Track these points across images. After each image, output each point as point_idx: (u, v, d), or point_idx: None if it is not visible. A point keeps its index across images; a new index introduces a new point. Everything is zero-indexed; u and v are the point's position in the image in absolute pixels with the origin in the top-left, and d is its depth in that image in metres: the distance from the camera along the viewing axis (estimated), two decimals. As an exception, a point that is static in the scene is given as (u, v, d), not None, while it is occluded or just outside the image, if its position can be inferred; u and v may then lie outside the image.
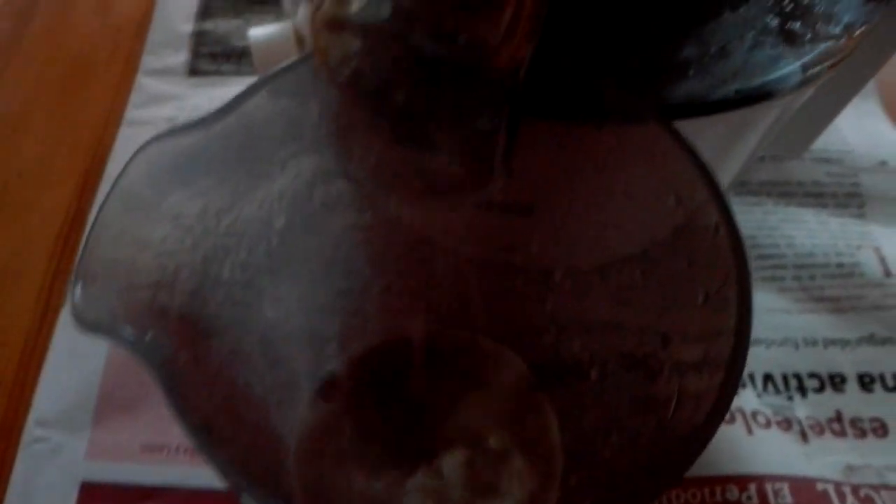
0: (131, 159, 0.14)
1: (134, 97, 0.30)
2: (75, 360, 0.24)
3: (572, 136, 0.17)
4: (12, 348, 0.24)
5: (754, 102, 0.20)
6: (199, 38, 0.32)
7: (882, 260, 0.29)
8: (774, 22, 0.17)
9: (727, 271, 0.15)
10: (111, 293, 0.13)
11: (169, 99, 0.30)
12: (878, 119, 0.33)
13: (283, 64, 0.23)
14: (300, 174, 0.17)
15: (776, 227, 0.30)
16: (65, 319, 0.25)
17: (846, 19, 0.18)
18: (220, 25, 0.32)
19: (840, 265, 0.29)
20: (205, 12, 0.33)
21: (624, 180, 0.19)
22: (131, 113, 0.30)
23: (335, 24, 0.11)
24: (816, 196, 0.31)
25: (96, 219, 0.14)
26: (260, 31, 0.24)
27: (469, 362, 0.24)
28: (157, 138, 0.14)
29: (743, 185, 0.31)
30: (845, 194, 0.31)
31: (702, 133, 0.20)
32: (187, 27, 0.32)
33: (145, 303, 0.15)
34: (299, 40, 0.24)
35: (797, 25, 0.17)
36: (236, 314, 0.17)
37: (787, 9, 0.17)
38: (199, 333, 0.16)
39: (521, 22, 0.11)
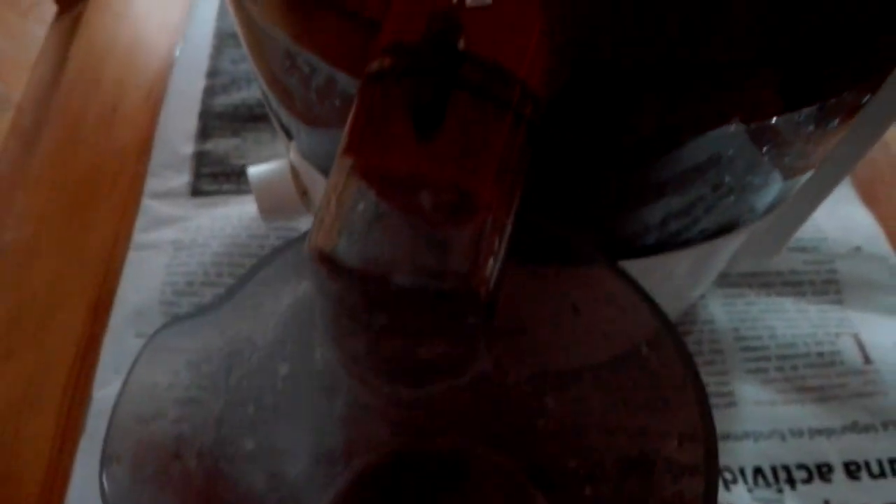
0: (142, 351, 0.15)
1: (140, 220, 0.32)
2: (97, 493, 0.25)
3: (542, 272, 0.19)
4: (33, 480, 0.25)
5: (718, 236, 0.21)
6: (199, 158, 0.34)
7: (861, 346, 0.30)
8: (723, 190, 0.18)
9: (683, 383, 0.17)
10: (138, 477, 0.15)
11: (173, 221, 0.32)
12: (851, 203, 0.35)
13: (285, 217, 0.25)
14: (302, 338, 0.18)
15: (758, 318, 0.31)
16: (84, 448, 0.26)
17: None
18: (220, 145, 0.34)
19: (821, 354, 0.30)
20: (204, 133, 0.34)
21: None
22: (138, 237, 0.31)
23: (321, 257, 0.12)
24: (795, 285, 0.32)
25: (114, 410, 0.15)
26: (258, 171, 0.26)
27: (466, 469, 0.25)
28: (166, 327, 0.16)
29: (724, 277, 0.32)
30: (822, 281, 0.32)
31: (674, 259, 0.22)
32: (188, 148, 0.34)
33: (167, 471, 0.16)
34: (296, 177, 0.26)
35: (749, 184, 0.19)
36: (247, 469, 0.18)
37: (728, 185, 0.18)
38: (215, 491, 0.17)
39: (491, 248, 0.12)
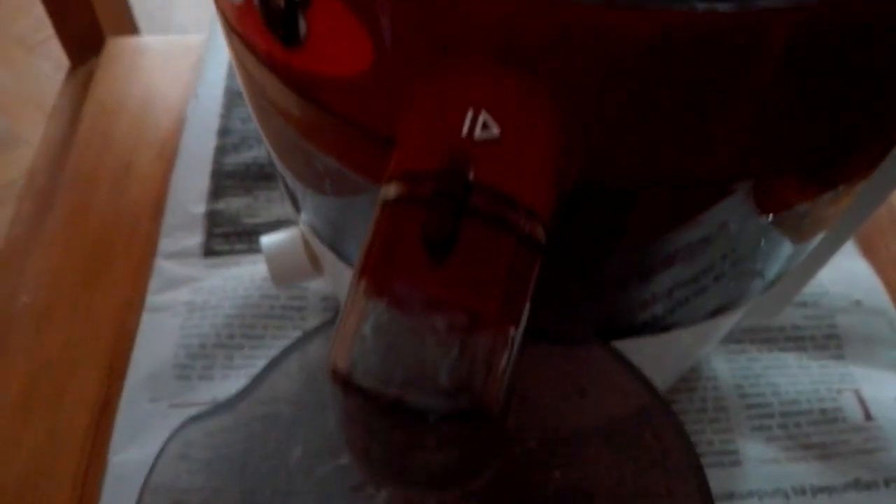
0: (161, 452, 0.16)
1: (153, 282, 0.32)
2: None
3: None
4: (50, 548, 0.26)
5: (722, 313, 0.22)
6: (211, 218, 0.34)
7: (862, 402, 0.31)
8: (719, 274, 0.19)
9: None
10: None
11: (186, 282, 0.32)
12: (851, 257, 0.35)
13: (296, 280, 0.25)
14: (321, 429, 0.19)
15: (761, 375, 0.31)
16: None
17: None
18: (232, 205, 0.35)
19: (823, 411, 0.30)
20: (216, 193, 0.35)
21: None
22: (151, 299, 0.32)
23: (337, 377, 0.13)
24: (796, 340, 0.33)
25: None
26: (271, 241, 0.27)
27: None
28: (184, 427, 0.16)
29: (727, 334, 0.33)
30: (823, 336, 0.33)
31: (677, 335, 0.22)
32: (200, 209, 0.35)
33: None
34: (307, 245, 0.27)
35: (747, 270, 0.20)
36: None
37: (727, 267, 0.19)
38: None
39: (502, 365, 0.13)
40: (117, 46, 0.43)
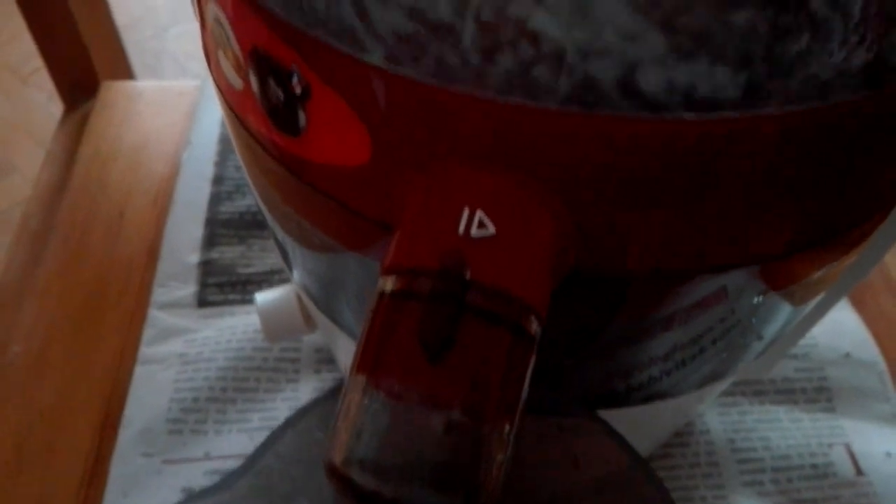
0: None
1: (146, 333, 0.32)
2: None
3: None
4: None
5: (715, 381, 0.22)
6: (205, 268, 0.34)
7: (853, 457, 0.31)
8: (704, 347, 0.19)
9: None
10: None
11: (180, 333, 0.32)
12: (841, 308, 0.36)
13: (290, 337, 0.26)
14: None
15: (753, 429, 0.32)
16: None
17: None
18: (226, 254, 0.35)
19: (815, 466, 0.30)
20: (210, 241, 0.35)
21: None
22: (145, 350, 0.32)
23: (335, 474, 0.13)
24: (787, 393, 0.33)
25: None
26: (265, 298, 0.27)
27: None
28: (186, 506, 0.16)
29: (719, 387, 0.33)
30: (814, 389, 0.33)
31: (669, 403, 0.22)
32: (194, 258, 0.35)
33: None
34: (300, 302, 0.27)
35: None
36: None
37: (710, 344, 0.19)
38: None
39: (499, 460, 0.13)
40: (112, 91, 0.43)
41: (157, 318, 0.33)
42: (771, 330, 0.21)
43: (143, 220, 0.37)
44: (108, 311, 0.33)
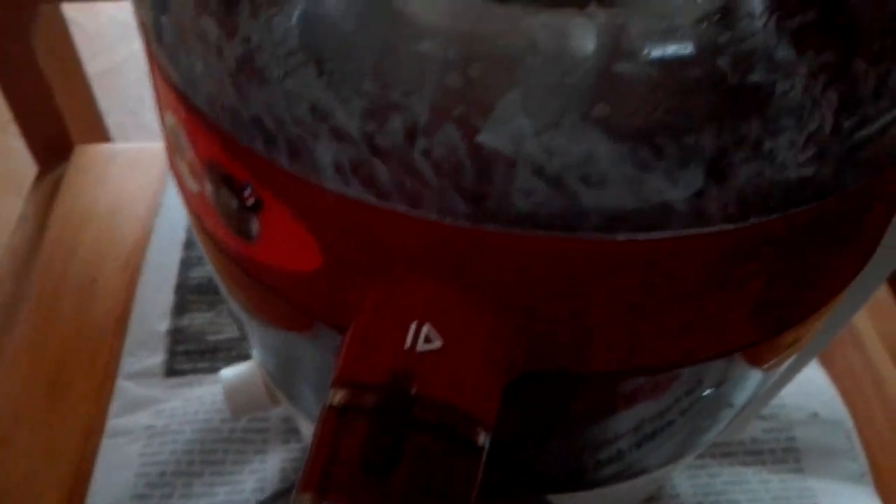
0: None
1: (114, 404, 0.32)
2: None
3: None
4: None
5: (682, 457, 0.22)
6: (174, 336, 0.34)
7: (822, 520, 0.31)
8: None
9: None
10: None
11: (147, 404, 0.32)
12: (809, 366, 0.36)
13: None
14: None
15: (722, 491, 0.32)
16: None
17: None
18: (195, 320, 0.35)
19: (783, 529, 0.31)
20: (180, 308, 0.35)
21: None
22: (112, 422, 0.32)
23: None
24: (756, 454, 0.33)
25: None
26: (229, 375, 0.27)
27: None
28: None
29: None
30: (782, 449, 0.33)
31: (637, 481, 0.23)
32: (163, 326, 0.35)
33: None
34: (265, 379, 0.27)
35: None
36: None
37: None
38: None
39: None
40: (86, 154, 0.43)
41: (125, 388, 0.33)
42: (741, 398, 0.21)
43: (115, 286, 0.37)
44: (77, 382, 0.33)
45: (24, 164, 0.45)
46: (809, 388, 0.35)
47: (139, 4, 0.16)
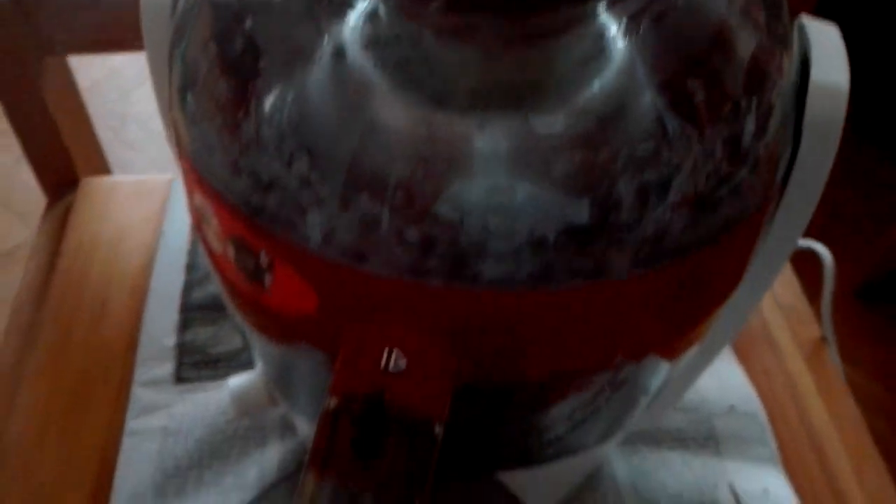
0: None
1: (131, 408, 0.37)
2: None
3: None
4: None
5: (608, 438, 0.28)
6: (181, 349, 0.40)
7: (735, 495, 0.37)
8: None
9: None
10: None
11: (160, 408, 0.37)
12: (728, 362, 0.42)
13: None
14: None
15: (651, 473, 0.37)
16: None
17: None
18: (199, 335, 0.40)
19: (702, 503, 0.36)
20: (184, 325, 0.40)
21: None
22: (130, 424, 0.37)
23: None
24: (680, 441, 0.39)
25: None
26: (237, 383, 0.32)
27: None
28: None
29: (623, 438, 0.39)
30: (704, 437, 0.39)
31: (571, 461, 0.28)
32: (171, 340, 0.40)
33: None
34: (268, 387, 0.32)
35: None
36: None
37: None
38: None
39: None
40: (91, 186, 0.48)
41: (140, 394, 0.38)
42: (653, 385, 0.27)
43: (124, 308, 0.42)
44: (96, 390, 0.38)
45: (35, 195, 0.50)
46: (728, 384, 0.41)
47: (170, 107, 0.21)
